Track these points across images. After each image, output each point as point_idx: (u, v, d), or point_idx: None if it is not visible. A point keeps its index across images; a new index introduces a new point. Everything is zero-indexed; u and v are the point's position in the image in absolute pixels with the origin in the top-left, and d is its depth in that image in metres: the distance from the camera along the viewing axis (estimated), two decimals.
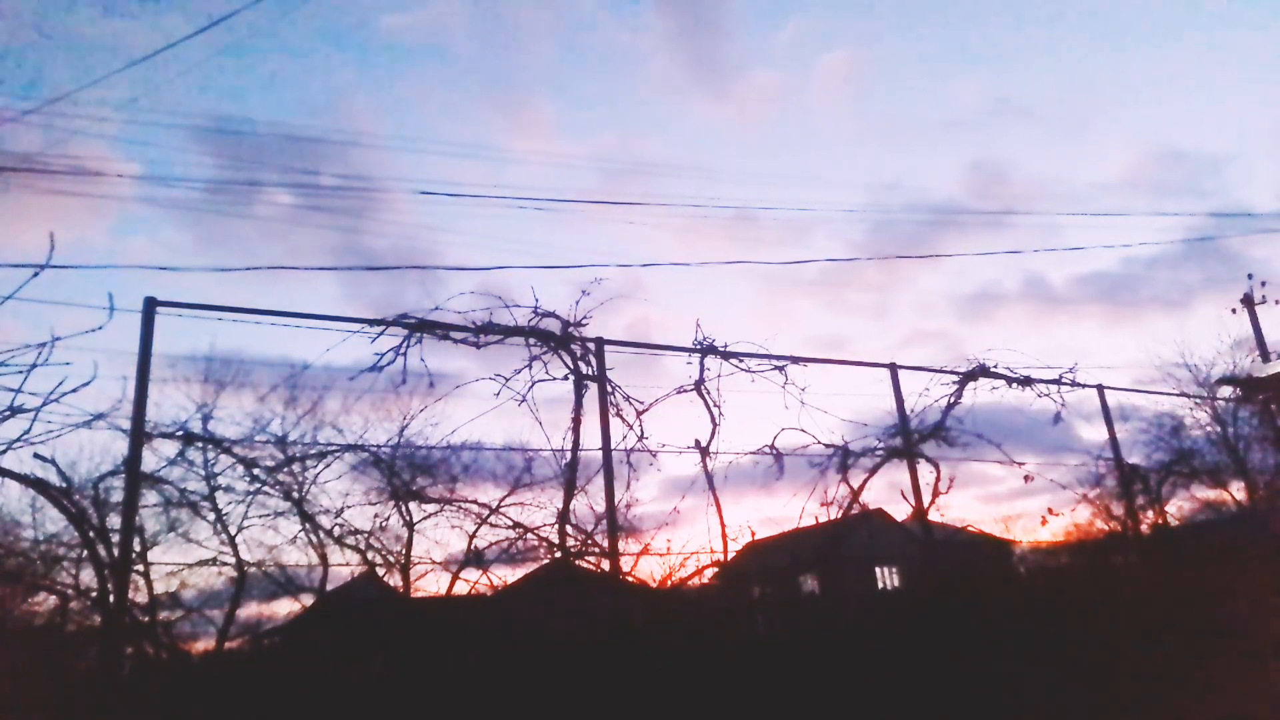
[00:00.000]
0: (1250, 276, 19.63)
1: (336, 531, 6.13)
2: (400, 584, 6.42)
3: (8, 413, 4.75)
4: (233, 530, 5.89)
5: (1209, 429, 11.92)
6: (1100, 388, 9.78)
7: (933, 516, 8.10)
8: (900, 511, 8.53)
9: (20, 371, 4.67)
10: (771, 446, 7.62)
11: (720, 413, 7.31)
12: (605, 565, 6.45)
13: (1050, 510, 9.39)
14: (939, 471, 8.23)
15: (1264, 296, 19.48)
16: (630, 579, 6.69)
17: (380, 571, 6.43)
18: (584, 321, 6.78)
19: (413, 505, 6.45)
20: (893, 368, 8.42)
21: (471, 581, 6.55)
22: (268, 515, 5.99)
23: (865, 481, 8.07)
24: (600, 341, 6.88)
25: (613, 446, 6.64)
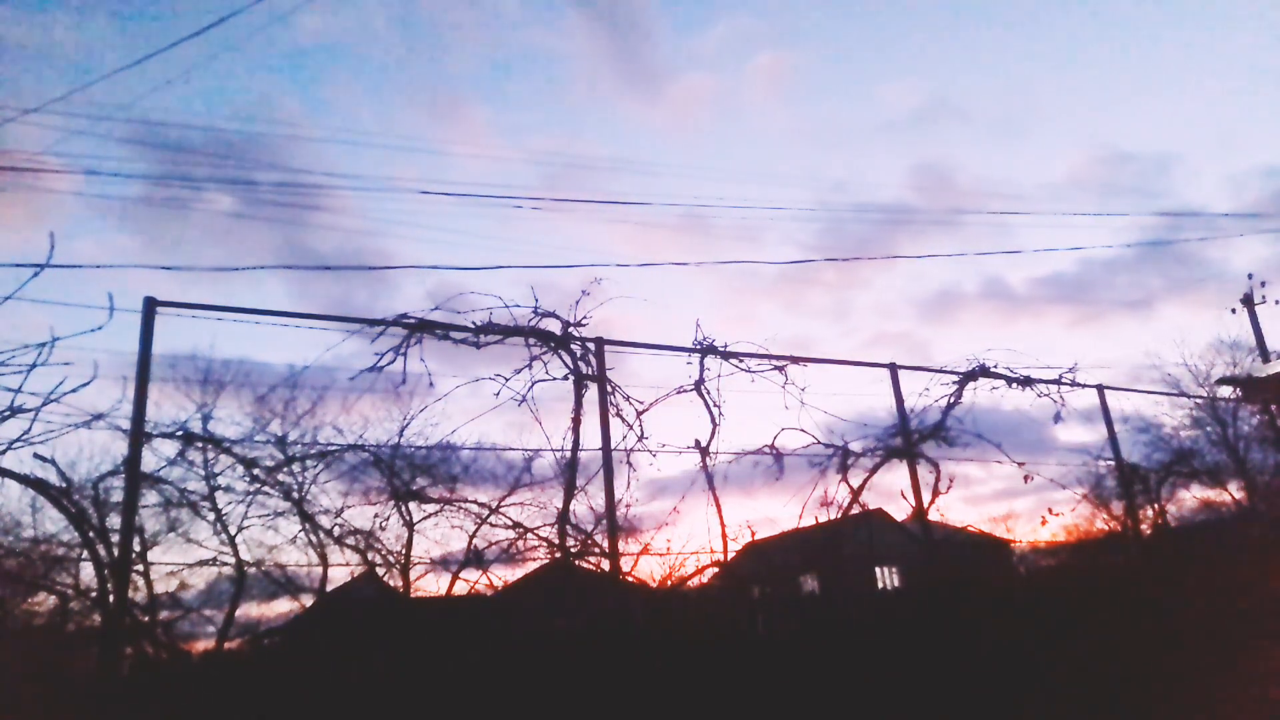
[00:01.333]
0: (1250, 276, 19.69)
1: (336, 531, 6.14)
2: (400, 584, 6.42)
3: (8, 413, 4.75)
4: (233, 530, 5.90)
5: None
6: (1100, 388, 9.79)
7: (933, 516, 8.10)
8: (900, 511, 8.54)
9: (20, 371, 4.67)
10: (771, 446, 7.63)
11: (720, 413, 7.33)
12: (605, 565, 6.45)
13: (1050, 510, 9.41)
14: (939, 471, 8.24)
15: (1264, 296, 19.52)
16: (630, 579, 6.69)
17: (380, 571, 6.43)
18: (584, 321, 6.79)
19: (413, 505, 6.46)
20: (893, 368, 8.42)
21: (471, 581, 6.56)
22: (268, 515, 5.99)
23: (865, 481, 8.08)
24: (600, 341, 6.88)
25: (613, 446, 6.64)
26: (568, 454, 6.61)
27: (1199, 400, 12.89)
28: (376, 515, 6.29)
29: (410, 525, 6.45)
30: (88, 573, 5.23)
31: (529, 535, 6.68)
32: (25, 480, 5.09)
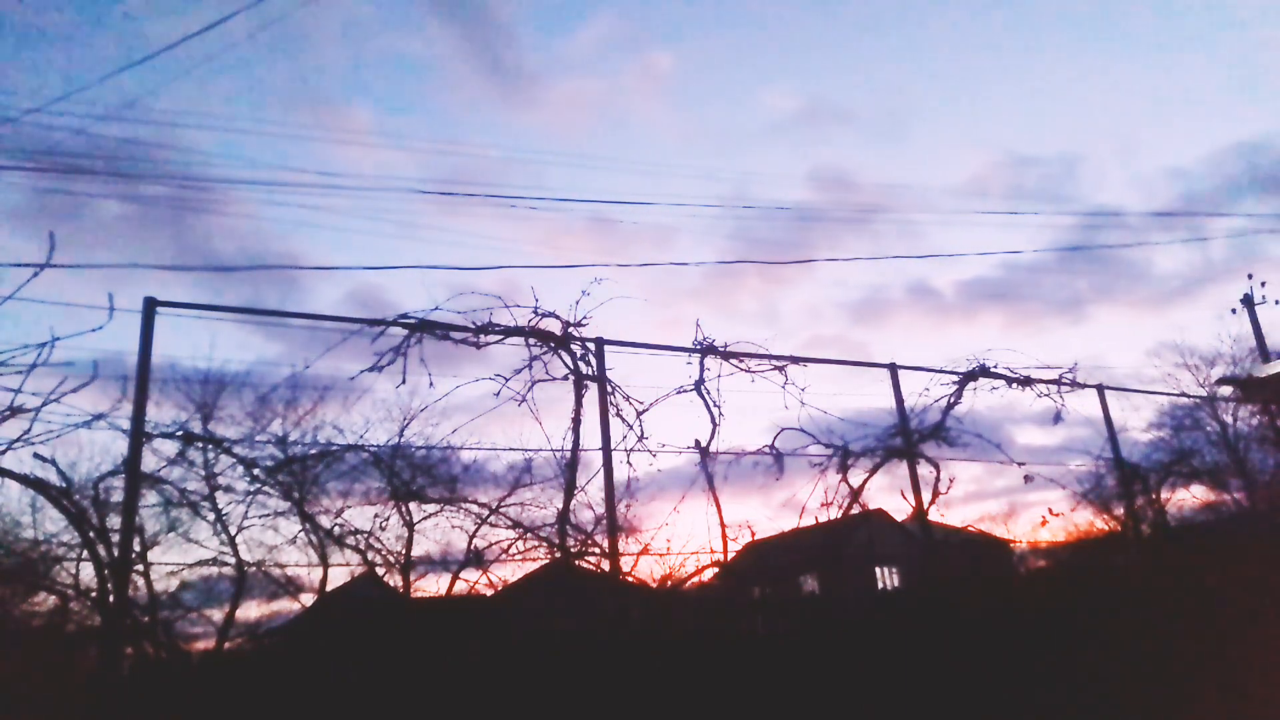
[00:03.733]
0: (1250, 276, 19.70)
1: (336, 531, 6.14)
2: (400, 584, 6.42)
3: (8, 413, 4.74)
4: (233, 530, 5.90)
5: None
6: (1100, 388, 9.79)
7: (933, 516, 8.11)
8: (900, 511, 8.54)
9: (20, 371, 4.66)
10: (771, 446, 7.63)
11: (720, 413, 7.32)
12: (605, 565, 6.45)
13: (1050, 510, 9.41)
14: (939, 471, 8.24)
15: (1264, 296, 19.51)
16: (630, 579, 6.69)
17: (380, 571, 6.43)
18: (584, 321, 6.79)
19: (413, 505, 6.46)
20: (893, 368, 8.43)
21: (471, 581, 6.56)
22: (268, 515, 6.00)
23: (865, 481, 8.08)
24: (600, 341, 6.88)
25: (613, 446, 6.64)
26: (568, 454, 6.62)
27: (1199, 400, 12.89)
28: (376, 515, 6.30)
29: (410, 525, 6.46)
30: (88, 573, 5.24)
31: (529, 535, 6.68)
32: (25, 480, 5.09)
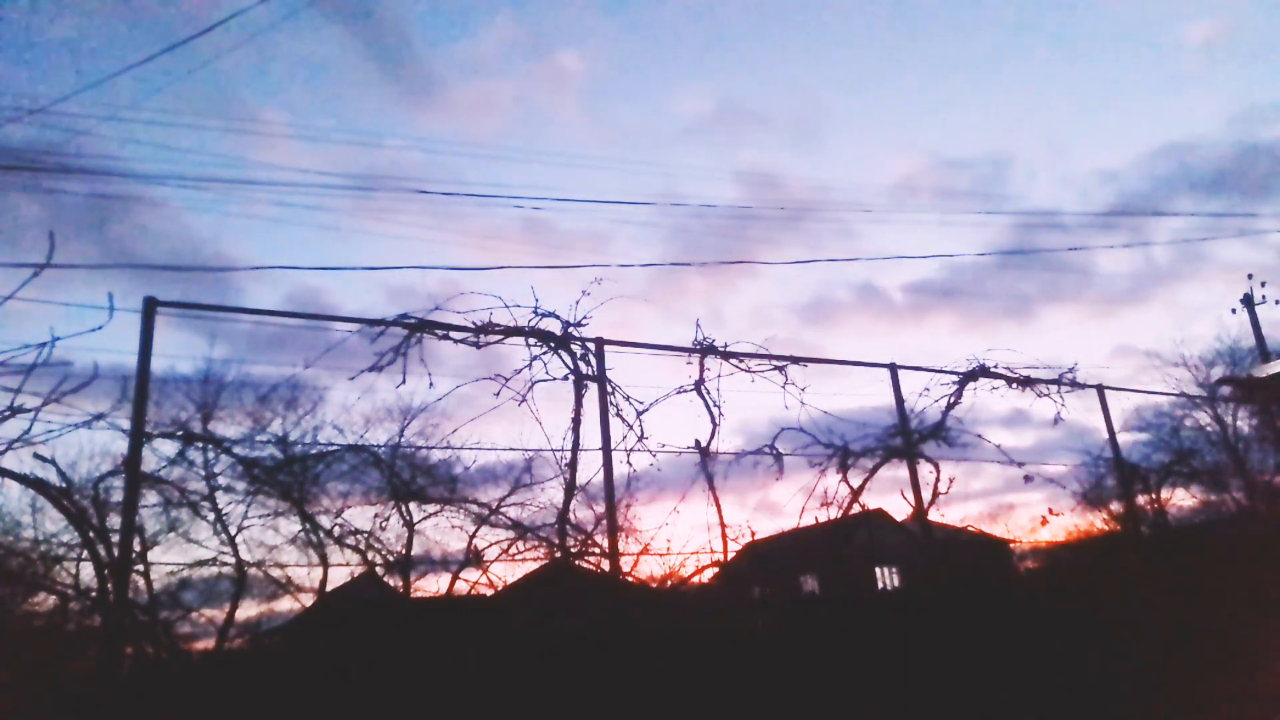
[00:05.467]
0: (1250, 277, 19.71)
1: (336, 531, 6.14)
2: (400, 584, 6.42)
3: (8, 413, 4.74)
4: (233, 530, 5.90)
5: (1210, 429, 11.93)
6: (1100, 388, 9.79)
7: (933, 516, 8.10)
8: (900, 511, 8.54)
9: (20, 371, 4.66)
10: (771, 446, 7.63)
11: (720, 413, 7.32)
12: (605, 565, 6.45)
13: (1050, 510, 9.41)
14: (939, 471, 8.24)
15: (1264, 296, 19.52)
16: (630, 579, 6.69)
17: (380, 571, 6.43)
18: (584, 321, 6.78)
19: (413, 505, 6.46)
20: (893, 368, 8.42)
21: (471, 581, 6.56)
22: (268, 515, 6.00)
23: (865, 481, 8.07)
24: (600, 341, 6.88)
25: (613, 446, 6.64)
26: (568, 454, 6.62)
27: (1199, 399, 12.89)
28: (376, 515, 6.30)
29: (410, 525, 6.46)
30: (88, 573, 5.24)
31: (529, 535, 6.68)
32: (25, 480, 5.09)
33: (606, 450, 6.61)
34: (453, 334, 6.41)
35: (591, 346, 6.85)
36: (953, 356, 8.94)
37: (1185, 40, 65.76)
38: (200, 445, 5.72)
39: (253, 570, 5.88)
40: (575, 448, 6.62)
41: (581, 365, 6.80)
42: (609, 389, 6.81)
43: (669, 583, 6.96)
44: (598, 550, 6.56)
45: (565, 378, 6.76)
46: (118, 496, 5.15)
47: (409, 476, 6.45)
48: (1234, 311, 19.67)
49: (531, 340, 6.66)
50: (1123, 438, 9.74)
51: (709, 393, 7.34)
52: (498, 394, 6.53)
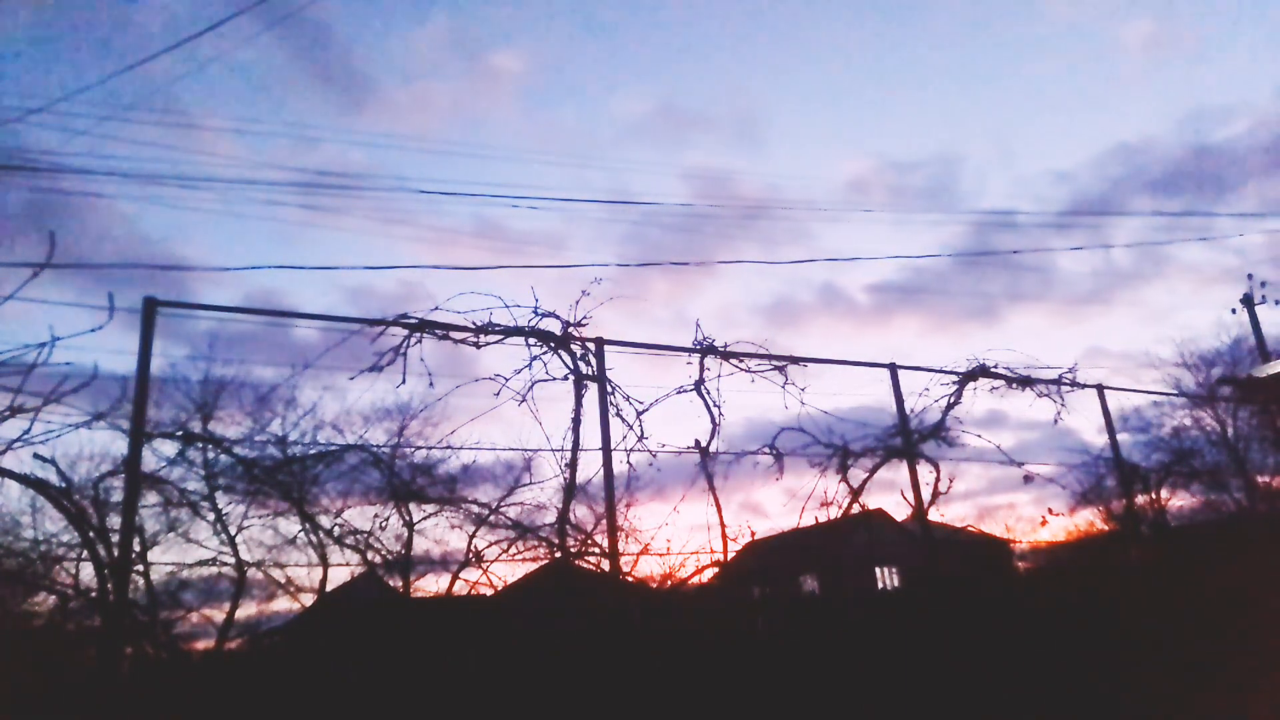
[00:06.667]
0: (1250, 277, 19.68)
1: (336, 531, 6.13)
2: (400, 584, 6.42)
3: (8, 413, 4.75)
4: (233, 530, 5.90)
5: (1210, 429, 11.93)
6: (1100, 388, 9.79)
7: (932, 516, 8.10)
8: (900, 511, 8.54)
9: (20, 371, 4.66)
10: (771, 446, 7.63)
11: (720, 413, 7.32)
12: (605, 565, 6.45)
13: (1050, 510, 9.41)
14: (939, 471, 8.24)
15: (1264, 296, 19.50)
16: (630, 579, 6.69)
17: (380, 571, 6.43)
18: (584, 321, 6.78)
19: (413, 505, 6.45)
20: (893, 368, 8.42)
21: (471, 581, 6.56)
22: (268, 515, 6.00)
23: (865, 481, 8.08)
24: (600, 341, 6.88)
25: (613, 446, 6.64)
26: (568, 454, 6.62)
27: (1199, 399, 12.89)
28: (376, 515, 6.29)
29: (410, 525, 6.45)
30: (88, 573, 5.23)
31: (529, 535, 6.68)
32: (25, 480, 5.09)
33: (606, 450, 6.61)
34: (453, 334, 6.41)
35: (591, 346, 6.85)
36: (922, 358, 8.97)
37: (1124, 41, 65.85)
38: (200, 445, 5.72)
39: (253, 570, 5.88)
40: (575, 448, 6.62)
41: (581, 365, 6.80)
42: (609, 389, 6.81)
43: (669, 583, 6.96)
44: (598, 550, 6.56)
45: (565, 378, 6.76)
46: (118, 496, 5.15)
47: (409, 476, 6.45)
48: (1234, 311, 19.65)
49: (531, 340, 6.66)
50: (1120, 436, 9.75)
51: (709, 393, 7.35)
52: (498, 394, 6.54)
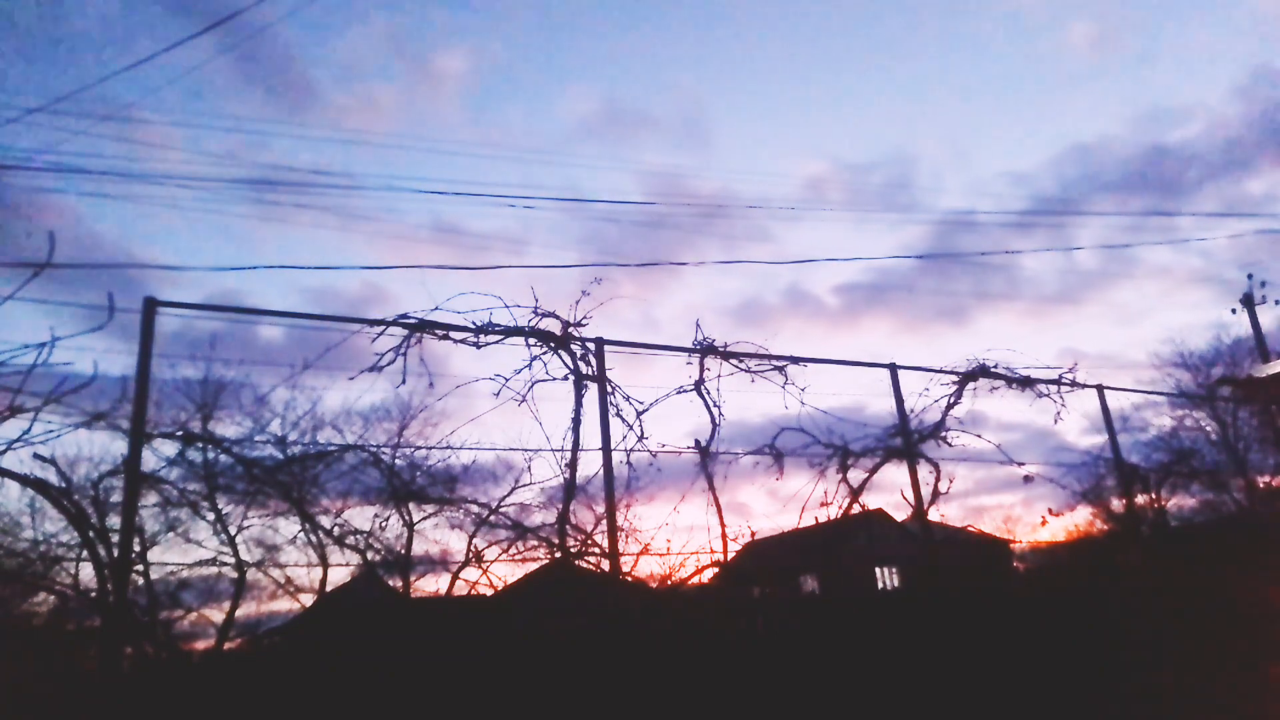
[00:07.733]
0: (1250, 277, 19.66)
1: (336, 531, 6.13)
2: (400, 584, 6.42)
3: (8, 413, 4.75)
4: (232, 530, 5.90)
5: (1210, 429, 11.94)
6: (1100, 388, 9.79)
7: (932, 516, 8.10)
8: (900, 511, 8.54)
9: (20, 371, 4.66)
10: (771, 446, 7.63)
11: (720, 413, 7.32)
12: (605, 565, 6.45)
13: (1050, 510, 9.41)
14: (939, 471, 8.24)
15: (1264, 296, 19.49)
16: (630, 579, 6.69)
17: (380, 571, 6.43)
18: (584, 321, 6.78)
19: (412, 505, 6.46)
20: (893, 368, 8.42)
21: (471, 581, 6.56)
22: (268, 515, 6.00)
23: (865, 481, 8.07)
24: (600, 341, 6.87)
25: (613, 446, 6.64)
26: (568, 454, 6.61)
27: (1199, 399, 12.90)
28: (376, 515, 6.29)
29: (410, 525, 6.46)
30: (88, 573, 5.24)
31: (529, 535, 6.68)
32: (25, 480, 5.09)
33: (606, 450, 6.60)
34: (453, 334, 6.41)
35: (591, 346, 6.85)
36: (899, 358, 8.91)
37: (1070, 42, 65.77)
38: (200, 445, 5.72)
39: (252, 570, 5.88)
40: (575, 448, 6.62)
41: (581, 365, 6.79)
42: (609, 389, 6.81)
43: (669, 582, 6.96)
44: (598, 550, 6.56)
45: (565, 378, 6.76)
46: (118, 496, 5.15)
47: (408, 477, 6.45)
48: (1234, 311, 19.63)
49: (531, 340, 6.65)
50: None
51: (709, 393, 7.34)
52: (498, 394, 6.53)
